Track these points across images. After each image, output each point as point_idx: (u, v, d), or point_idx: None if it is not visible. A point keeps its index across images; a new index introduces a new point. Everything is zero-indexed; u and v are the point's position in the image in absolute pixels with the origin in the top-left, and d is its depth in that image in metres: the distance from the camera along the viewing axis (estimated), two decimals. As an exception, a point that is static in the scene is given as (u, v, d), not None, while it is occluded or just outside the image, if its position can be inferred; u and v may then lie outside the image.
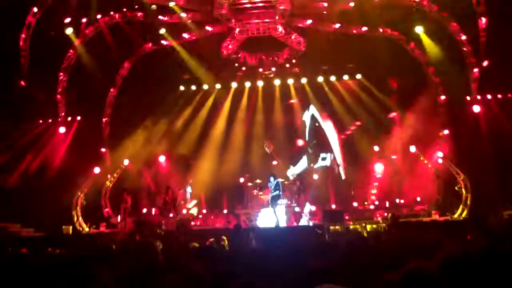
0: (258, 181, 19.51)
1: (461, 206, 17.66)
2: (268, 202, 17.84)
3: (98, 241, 12.72)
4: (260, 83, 21.41)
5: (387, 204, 19.29)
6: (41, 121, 19.12)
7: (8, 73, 17.36)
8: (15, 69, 17.52)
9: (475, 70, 18.29)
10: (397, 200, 19.46)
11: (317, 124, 21.26)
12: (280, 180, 17.70)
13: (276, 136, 20.92)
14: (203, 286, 3.26)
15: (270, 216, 17.96)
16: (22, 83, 17.63)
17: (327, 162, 20.83)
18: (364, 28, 18.93)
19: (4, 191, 17.96)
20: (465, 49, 18.27)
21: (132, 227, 16.60)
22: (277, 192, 17.56)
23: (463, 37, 18.19)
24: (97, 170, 19.23)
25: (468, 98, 18.81)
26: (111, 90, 20.08)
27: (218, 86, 21.54)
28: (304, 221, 18.30)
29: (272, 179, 17.54)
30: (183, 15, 18.63)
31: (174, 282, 3.27)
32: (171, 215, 18.40)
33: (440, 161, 18.78)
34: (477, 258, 2.72)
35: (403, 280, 2.53)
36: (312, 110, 21.40)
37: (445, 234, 8.98)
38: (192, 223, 18.86)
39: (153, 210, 19.65)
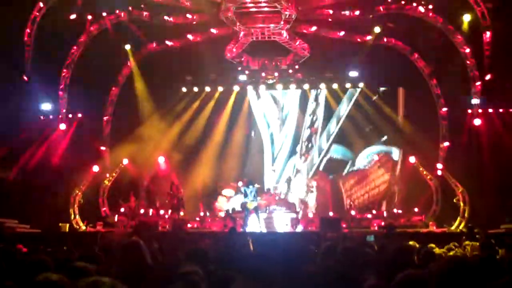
0: (256, 185, 19.40)
1: (458, 218, 17.74)
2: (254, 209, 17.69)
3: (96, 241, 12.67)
4: (262, 88, 21.36)
5: (385, 213, 19.34)
6: (41, 117, 19.02)
7: (11, 67, 17.26)
8: (17, 64, 17.44)
9: (478, 83, 18.31)
10: (395, 210, 19.49)
11: None
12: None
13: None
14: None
15: (256, 222, 17.92)
16: (25, 78, 17.52)
17: None
18: (369, 37, 18.92)
19: (3, 185, 17.90)
20: (468, 62, 18.29)
21: (132, 229, 16.53)
22: (246, 199, 17.53)
23: (467, 50, 18.21)
24: (96, 168, 19.19)
25: (469, 111, 18.83)
26: (113, 88, 20.02)
27: (220, 89, 21.44)
28: (300, 228, 18.39)
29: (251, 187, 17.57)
30: (189, 16, 18.61)
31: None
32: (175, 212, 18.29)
33: (439, 172, 18.81)
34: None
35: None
36: None
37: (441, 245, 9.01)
38: (189, 225, 18.85)
39: (150, 211, 19.58)
